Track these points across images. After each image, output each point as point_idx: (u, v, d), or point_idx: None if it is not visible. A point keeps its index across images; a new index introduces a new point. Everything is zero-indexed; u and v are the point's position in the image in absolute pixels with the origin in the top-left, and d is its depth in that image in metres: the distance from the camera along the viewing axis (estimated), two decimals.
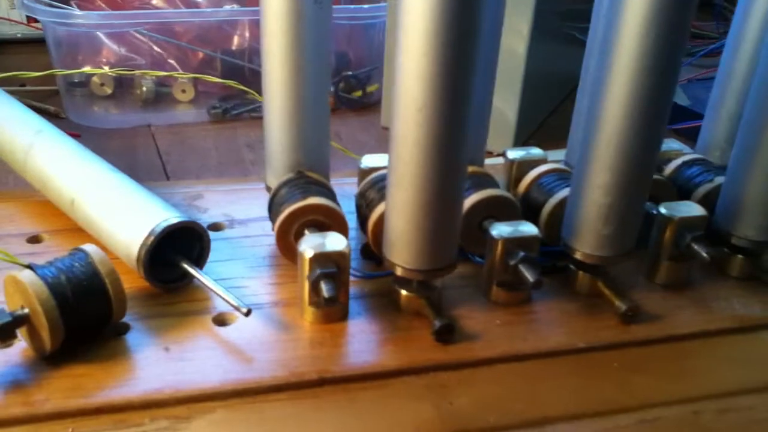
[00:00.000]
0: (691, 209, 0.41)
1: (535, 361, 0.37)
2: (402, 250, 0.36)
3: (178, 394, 0.33)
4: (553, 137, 0.75)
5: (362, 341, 0.37)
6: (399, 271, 0.37)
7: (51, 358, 0.34)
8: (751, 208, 0.41)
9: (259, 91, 0.43)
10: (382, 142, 0.75)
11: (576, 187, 0.39)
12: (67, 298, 0.33)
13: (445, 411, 0.33)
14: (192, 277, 0.38)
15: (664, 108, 0.35)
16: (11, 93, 0.51)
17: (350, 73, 0.83)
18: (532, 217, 0.43)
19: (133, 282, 0.39)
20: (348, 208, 0.43)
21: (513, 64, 0.66)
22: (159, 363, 0.34)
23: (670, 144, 0.51)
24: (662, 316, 0.40)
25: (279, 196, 0.42)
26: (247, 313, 0.35)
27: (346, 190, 0.48)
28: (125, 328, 0.36)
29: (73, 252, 0.35)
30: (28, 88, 0.79)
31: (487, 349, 0.37)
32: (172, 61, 0.78)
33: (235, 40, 0.80)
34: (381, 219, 0.39)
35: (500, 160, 0.51)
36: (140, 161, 0.67)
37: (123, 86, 0.78)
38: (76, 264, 0.34)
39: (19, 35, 0.94)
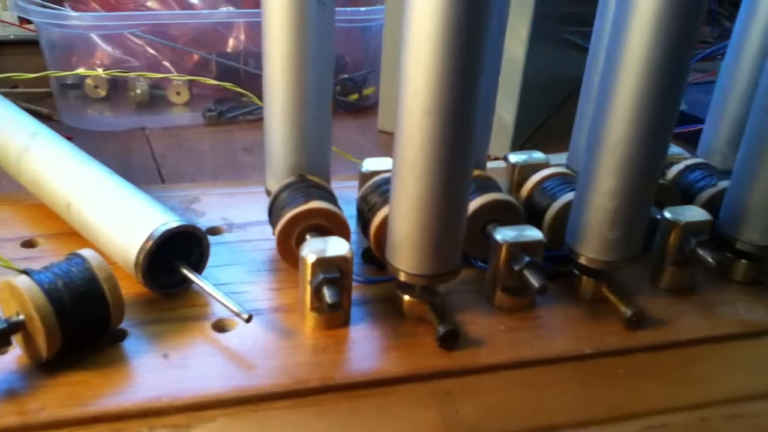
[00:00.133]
0: (696, 214, 0.41)
1: (540, 367, 0.36)
2: (405, 254, 0.35)
3: (177, 402, 0.32)
4: (551, 140, 0.75)
5: (365, 347, 0.36)
6: (402, 276, 0.36)
7: (47, 366, 0.33)
8: (755, 212, 0.41)
9: (255, 94, 0.42)
10: (379, 145, 0.75)
11: (581, 191, 0.38)
12: (64, 304, 0.32)
13: (451, 419, 0.32)
14: (191, 282, 0.38)
15: (670, 115, 0.35)
16: (3, 95, 0.50)
17: (347, 76, 0.83)
18: (535, 222, 0.42)
19: (130, 287, 0.38)
20: (348, 212, 0.42)
21: (511, 68, 0.66)
22: (158, 370, 0.34)
23: (670, 148, 0.51)
24: (667, 321, 0.40)
25: (280, 200, 0.41)
26: (248, 320, 0.35)
27: (345, 193, 0.47)
28: (123, 335, 0.36)
29: (70, 257, 0.34)
30: (20, 89, 0.78)
31: (492, 356, 0.36)
32: (166, 63, 0.78)
33: (231, 42, 0.80)
34: (384, 223, 0.38)
35: (501, 163, 0.51)
36: (135, 164, 0.66)
37: (117, 88, 0.78)
38: (74, 269, 0.33)
39: (11, 36, 0.93)
